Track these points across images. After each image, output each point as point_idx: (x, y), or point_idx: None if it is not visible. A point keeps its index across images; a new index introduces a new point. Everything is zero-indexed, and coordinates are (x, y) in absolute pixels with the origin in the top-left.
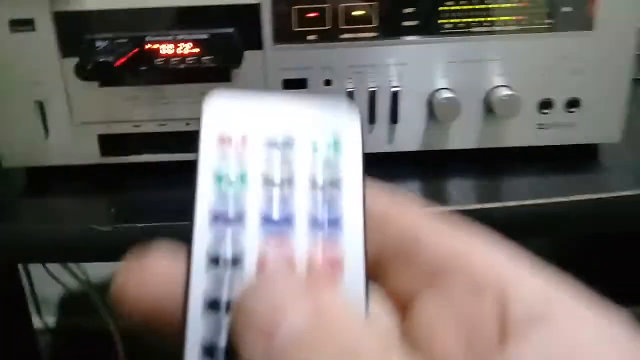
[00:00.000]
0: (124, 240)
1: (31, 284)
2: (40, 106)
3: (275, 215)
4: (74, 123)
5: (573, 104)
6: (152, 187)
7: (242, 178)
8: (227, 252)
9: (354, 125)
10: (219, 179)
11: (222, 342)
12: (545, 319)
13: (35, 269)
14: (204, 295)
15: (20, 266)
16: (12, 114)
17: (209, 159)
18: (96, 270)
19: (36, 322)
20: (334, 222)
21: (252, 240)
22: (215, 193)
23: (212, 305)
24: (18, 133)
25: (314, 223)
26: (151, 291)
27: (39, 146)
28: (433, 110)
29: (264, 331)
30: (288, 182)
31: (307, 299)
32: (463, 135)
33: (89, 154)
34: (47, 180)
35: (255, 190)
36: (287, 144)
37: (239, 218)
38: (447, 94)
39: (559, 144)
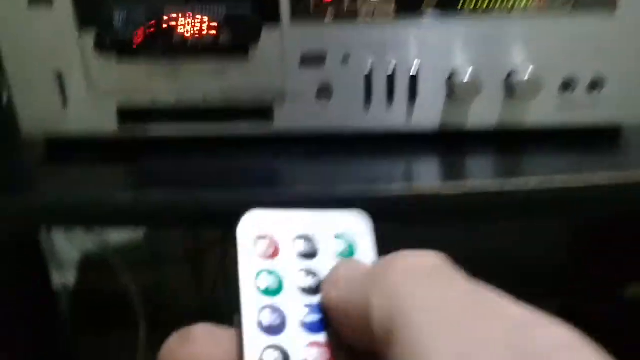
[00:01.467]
0: (144, 207)
1: (52, 248)
2: (59, 77)
3: (311, 319)
4: (92, 94)
5: (596, 84)
6: (171, 157)
7: (280, 286)
8: (276, 354)
9: (366, 233)
10: (259, 288)
11: None
12: None
13: (56, 234)
14: None
15: (41, 230)
16: (31, 85)
17: (248, 269)
18: (114, 235)
19: (57, 285)
20: None
21: (295, 345)
22: (258, 301)
23: None
24: (37, 103)
25: None
26: None
27: (58, 116)
28: (453, 90)
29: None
30: (317, 285)
31: None
32: (482, 115)
33: (107, 124)
34: (66, 151)
35: (292, 296)
36: (312, 251)
37: (281, 324)
38: (467, 74)
39: (581, 124)
